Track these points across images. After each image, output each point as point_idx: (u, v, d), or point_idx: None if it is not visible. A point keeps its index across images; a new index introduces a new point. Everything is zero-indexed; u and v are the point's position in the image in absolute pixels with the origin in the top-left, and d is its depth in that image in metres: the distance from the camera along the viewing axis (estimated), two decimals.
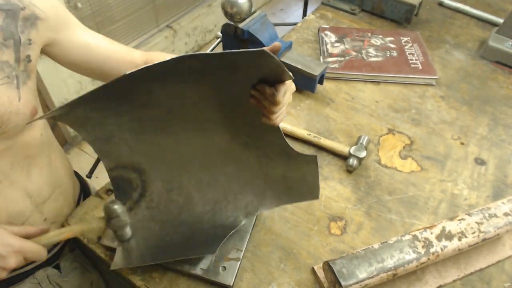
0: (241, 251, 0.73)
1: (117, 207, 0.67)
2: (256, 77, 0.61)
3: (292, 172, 0.74)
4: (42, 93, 1.85)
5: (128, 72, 0.52)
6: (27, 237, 0.63)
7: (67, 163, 0.83)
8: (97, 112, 0.64)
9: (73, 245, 0.83)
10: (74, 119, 0.63)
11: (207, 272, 0.69)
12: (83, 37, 0.71)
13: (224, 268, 0.70)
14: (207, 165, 0.77)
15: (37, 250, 0.62)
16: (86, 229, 0.68)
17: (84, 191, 0.90)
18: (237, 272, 0.70)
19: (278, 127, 0.66)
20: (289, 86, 0.62)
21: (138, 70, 0.53)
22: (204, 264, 0.71)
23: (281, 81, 0.59)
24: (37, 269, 0.77)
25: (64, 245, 0.83)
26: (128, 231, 0.72)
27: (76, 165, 0.89)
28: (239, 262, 0.71)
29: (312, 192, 0.74)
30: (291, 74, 0.56)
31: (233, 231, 0.73)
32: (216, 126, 0.74)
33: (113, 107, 0.65)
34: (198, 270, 0.70)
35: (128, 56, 0.76)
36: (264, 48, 0.50)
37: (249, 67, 0.59)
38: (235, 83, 0.65)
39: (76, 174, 0.90)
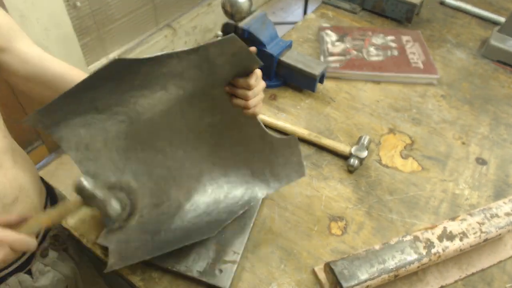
0: (239, 254, 0.72)
1: (85, 183, 0.60)
2: (230, 73, 0.67)
3: (277, 158, 0.77)
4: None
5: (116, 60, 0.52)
6: (9, 226, 0.59)
7: (32, 167, 0.83)
8: (86, 128, 0.64)
9: (45, 252, 0.82)
10: (67, 137, 0.63)
11: (203, 275, 0.69)
12: (37, 49, 0.72)
13: (221, 271, 0.70)
14: (195, 174, 0.78)
15: (20, 238, 0.57)
16: (62, 211, 0.63)
17: (51, 196, 0.89)
18: (234, 275, 0.70)
19: (255, 117, 0.72)
20: (258, 73, 0.69)
21: (132, 59, 0.54)
22: (201, 266, 0.70)
23: (251, 71, 0.67)
24: (9, 275, 0.76)
25: (36, 250, 0.82)
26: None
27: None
28: (236, 265, 0.71)
29: (298, 171, 0.77)
30: (259, 60, 0.63)
31: (228, 222, 0.73)
32: (200, 134, 0.76)
33: (98, 122, 0.65)
34: (194, 272, 0.69)
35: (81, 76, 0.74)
36: (233, 34, 0.57)
37: (223, 61, 0.63)
38: (212, 83, 0.68)
39: (42, 179, 0.89)
